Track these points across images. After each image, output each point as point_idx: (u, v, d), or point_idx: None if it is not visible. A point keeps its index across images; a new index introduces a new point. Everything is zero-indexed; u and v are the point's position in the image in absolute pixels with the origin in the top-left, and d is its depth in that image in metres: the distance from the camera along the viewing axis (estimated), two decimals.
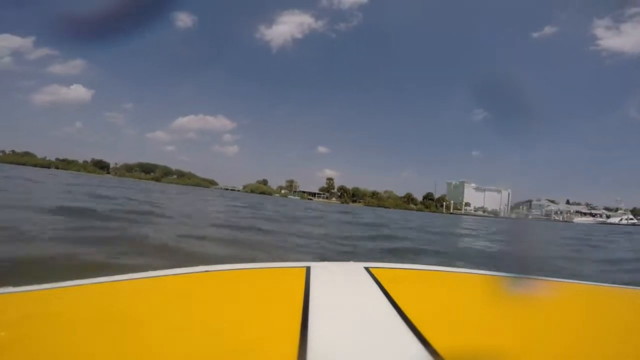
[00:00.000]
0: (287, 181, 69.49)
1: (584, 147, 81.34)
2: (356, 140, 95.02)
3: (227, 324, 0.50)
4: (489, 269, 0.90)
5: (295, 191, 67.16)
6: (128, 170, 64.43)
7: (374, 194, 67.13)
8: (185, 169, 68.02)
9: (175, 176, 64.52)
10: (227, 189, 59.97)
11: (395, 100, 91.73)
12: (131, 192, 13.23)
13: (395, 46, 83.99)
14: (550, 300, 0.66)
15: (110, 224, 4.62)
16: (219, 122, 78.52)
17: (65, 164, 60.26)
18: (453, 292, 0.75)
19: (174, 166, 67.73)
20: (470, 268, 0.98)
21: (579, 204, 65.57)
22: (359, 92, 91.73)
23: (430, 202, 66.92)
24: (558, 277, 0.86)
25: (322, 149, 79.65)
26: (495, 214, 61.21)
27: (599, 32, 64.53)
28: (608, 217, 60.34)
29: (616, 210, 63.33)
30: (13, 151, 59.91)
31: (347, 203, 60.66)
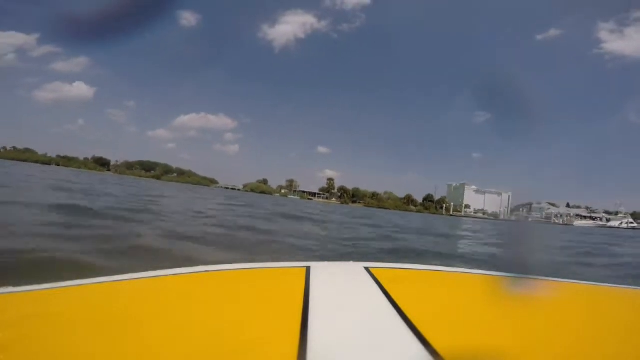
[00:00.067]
0: (287, 181, 69.62)
1: (584, 151, 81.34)
2: (357, 140, 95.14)
3: (227, 324, 0.50)
4: (489, 269, 0.90)
5: (295, 191, 67.15)
6: (128, 167, 64.50)
7: (374, 195, 67.08)
8: (185, 167, 68.33)
9: (175, 174, 64.59)
10: (227, 188, 59.96)
11: (396, 101, 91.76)
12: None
13: (398, 47, 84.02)
14: (550, 300, 0.66)
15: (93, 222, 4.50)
16: (221, 121, 78.65)
17: (66, 161, 60.40)
18: (453, 292, 0.75)
19: (174, 164, 68.00)
20: (470, 268, 0.97)
21: (579, 207, 65.47)
22: (360, 93, 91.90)
23: (430, 204, 66.86)
24: (558, 277, 0.86)
25: (322, 149, 79.78)
26: (495, 216, 61.22)
27: (603, 35, 64.52)
28: (608, 220, 60.27)
29: (616, 213, 63.26)
30: (14, 147, 60.09)
31: (347, 204, 60.62)
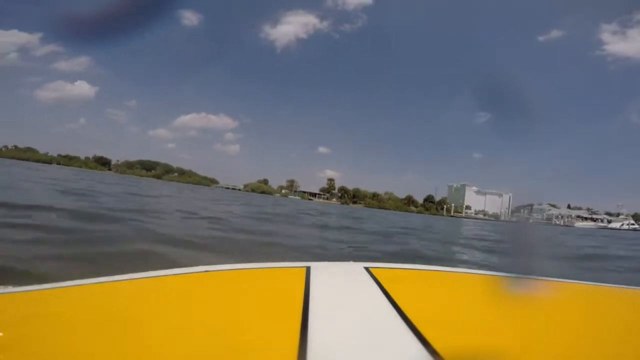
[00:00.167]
0: (287, 181, 69.65)
1: (585, 152, 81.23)
2: (357, 141, 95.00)
3: (227, 324, 0.50)
4: (489, 269, 0.90)
5: (295, 191, 67.17)
6: (129, 167, 64.57)
7: (375, 196, 67.07)
8: (186, 167, 68.29)
9: (176, 174, 64.64)
10: (227, 188, 59.99)
11: (397, 101, 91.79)
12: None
13: (398, 47, 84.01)
14: (550, 300, 0.66)
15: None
16: (221, 121, 78.64)
17: (67, 160, 60.47)
18: (453, 292, 0.75)
19: (175, 164, 67.98)
20: (470, 268, 0.97)
21: (580, 208, 65.33)
22: (361, 93, 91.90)
23: (431, 205, 66.80)
24: (558, 277, 0.86)
25: (323, 150, 79.77)
26: (495, 217, 61.12)
27: (605, 36, 64.37)
28: (609, 222, 60.09)
29: (617, 215, 63.12)
30: (15, 146, 60.18)
31: (348, 204, 60.59)
